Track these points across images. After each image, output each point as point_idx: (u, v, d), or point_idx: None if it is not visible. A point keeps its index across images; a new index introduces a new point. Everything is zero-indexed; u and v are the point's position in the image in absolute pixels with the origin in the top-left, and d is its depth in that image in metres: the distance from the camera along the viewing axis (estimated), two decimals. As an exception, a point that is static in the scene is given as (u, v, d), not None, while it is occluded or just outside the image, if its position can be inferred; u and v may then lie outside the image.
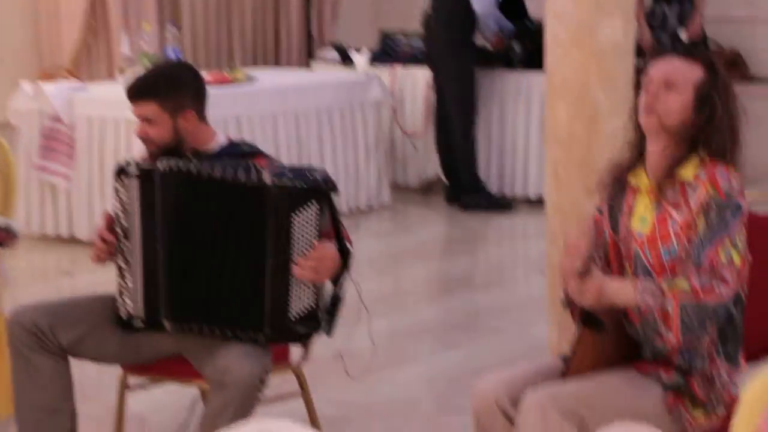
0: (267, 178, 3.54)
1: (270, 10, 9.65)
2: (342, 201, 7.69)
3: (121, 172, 3.69)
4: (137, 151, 3.97)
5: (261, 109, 7.43)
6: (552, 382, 3.06)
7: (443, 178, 8.29)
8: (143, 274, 3.67)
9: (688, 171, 3.09)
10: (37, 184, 7.22)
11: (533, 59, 7.90)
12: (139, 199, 3.65)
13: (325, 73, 8.66)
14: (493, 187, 8.24)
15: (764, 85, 9.03)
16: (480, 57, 8.26)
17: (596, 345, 3.08)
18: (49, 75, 7.73)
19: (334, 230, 3.62)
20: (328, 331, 3.69)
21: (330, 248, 3.59)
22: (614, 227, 3.20)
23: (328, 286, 3.68)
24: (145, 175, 3.64)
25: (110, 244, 3.71)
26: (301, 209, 3.54)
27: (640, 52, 8.51)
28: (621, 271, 3.18)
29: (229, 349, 3.54)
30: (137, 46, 7.66)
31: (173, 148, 3.71)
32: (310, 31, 9.36)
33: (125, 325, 3.72)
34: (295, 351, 3.90)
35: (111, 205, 3.77)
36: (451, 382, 4.99)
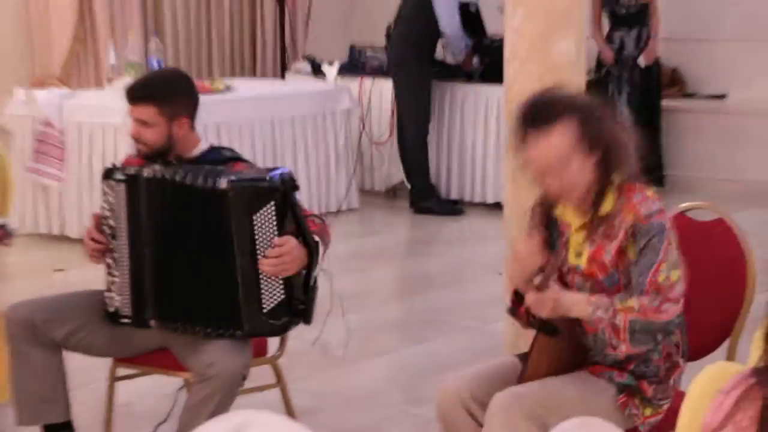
0: (224, 183, 3.49)
1: (247, 24, 9.65)
2: (313, 203, 7.70)
3: (108, 175, 3.67)
4: (124, 153, 3.94)
5: (239, 116, 7.44)
6: (515, 386, 3.05)
7: (407, 183, 8.32)
8: (131, 276, 3.65)
9: (608, 204, 3.03)
10: (30, 185, 7.19)
11: (490, 72, 7.96)
12: (126, 204, 3.62)
13: (299, 83, 8.65)
14: (452, 192, 8.28)
15: (699, 99, 9.14)
16: (440, 70, 8.31)
17: (552, 349, 3.08)
18: (40, 82, 7.70)
19: (296, 225, 3.55)
20: (306, 320, 3.65)
21: (291, 242, 3.52)
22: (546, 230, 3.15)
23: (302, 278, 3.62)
24: (132, 181, 3.61)
25: (101, 243, 3.69)
26: (260, 209, 3.49)
27: (599, 66, 8.66)
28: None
29: (213, 345, 3.53)
30: (123, 56, 7.63)
31: (162, 152, 3.68)
32: (284, 44, 9.35)
33: (113, 318, 3.71)
34: (272, 344, 3.91)
35: (99, 205, 3.75)
36: (415, 375, 5.00)
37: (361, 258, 7.06)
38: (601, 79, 8.65)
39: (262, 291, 3.54)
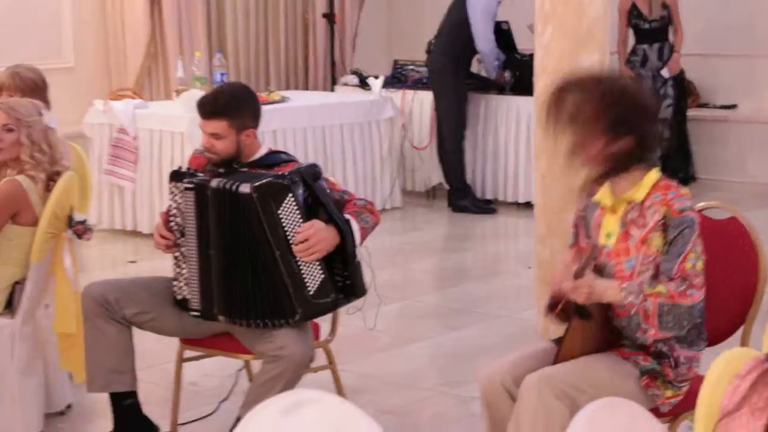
0: (246, 186, 3.46)
1: (300, 42, 9.65)
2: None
3: (175, 177, 3.67)
4: (188, 157, 3.93)
5: (293, 124, 7.46)
6: (546, 367, 3.01)
7: (445, 184, 8.30)
8: (199, 275, 3.62)
9: (642, 191, 3.00)
10: (107, 186, 7.25)
11: (520, 85, 7.92)
12: (195, 209, 3.61)
13: (346, 95, 8.64)
14: (487, 192, 8.25)
15: (712, 109, 9.05)
16: (475, 83, 8.27)
17: (585, 331, 3.05)
18: (116, 94, 7.74)
19: (324, 210, 3.51)
20: (356, 293, 3.61)
21: (315, 225, 3.48)
22: (587, 237, 3.15)
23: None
24: (200, 189, 3.59)
25: (168, 239, 3.69)
26: (282, 203, 3.46)
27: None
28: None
29: (281, 331, 3.50)
30: (190, 71, 7.66)
31: (230, 160, 3.67)
32: (333, 60, 9.34)
33: (181, 305, 3.70)
34: (324, 330, 3.89)
35: (167, 204, 3.75)
36: (451, 358, 4.98)
37: (403, 252, 7.04)
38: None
39: (304, 275, 3.50)
